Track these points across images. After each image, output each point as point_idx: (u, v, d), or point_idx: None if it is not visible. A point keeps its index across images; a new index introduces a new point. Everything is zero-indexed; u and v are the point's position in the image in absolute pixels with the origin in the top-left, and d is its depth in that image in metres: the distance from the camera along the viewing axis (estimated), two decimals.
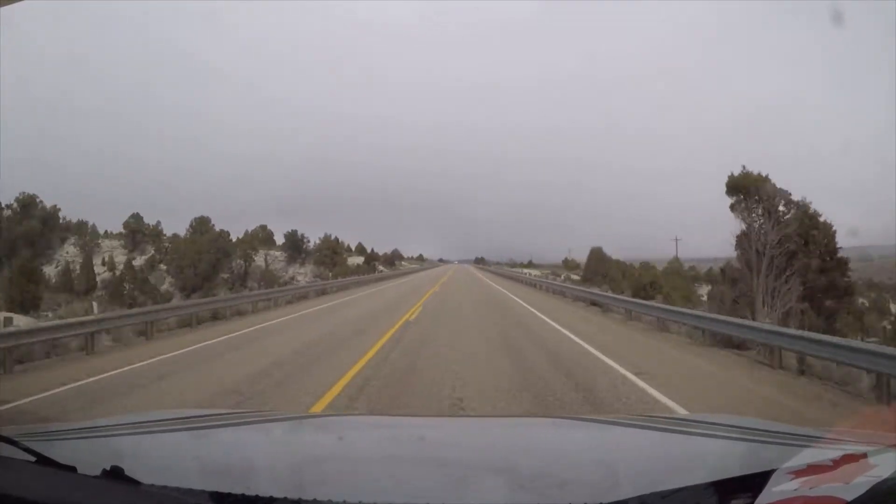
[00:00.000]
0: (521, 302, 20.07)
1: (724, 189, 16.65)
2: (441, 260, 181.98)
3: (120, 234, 56.60)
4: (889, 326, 23.42)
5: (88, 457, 1.11)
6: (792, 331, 8.28)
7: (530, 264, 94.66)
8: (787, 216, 16.11)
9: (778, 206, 15.92)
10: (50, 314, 21.50)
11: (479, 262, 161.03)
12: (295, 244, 55.37)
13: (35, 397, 6.27)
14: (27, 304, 25.79)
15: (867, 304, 31.87)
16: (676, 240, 64.73)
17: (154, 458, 1.29)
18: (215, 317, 14.48)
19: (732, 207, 16.36)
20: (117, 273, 43.28)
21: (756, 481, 0.83)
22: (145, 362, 8.33)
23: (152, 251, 50.79)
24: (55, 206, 50.04)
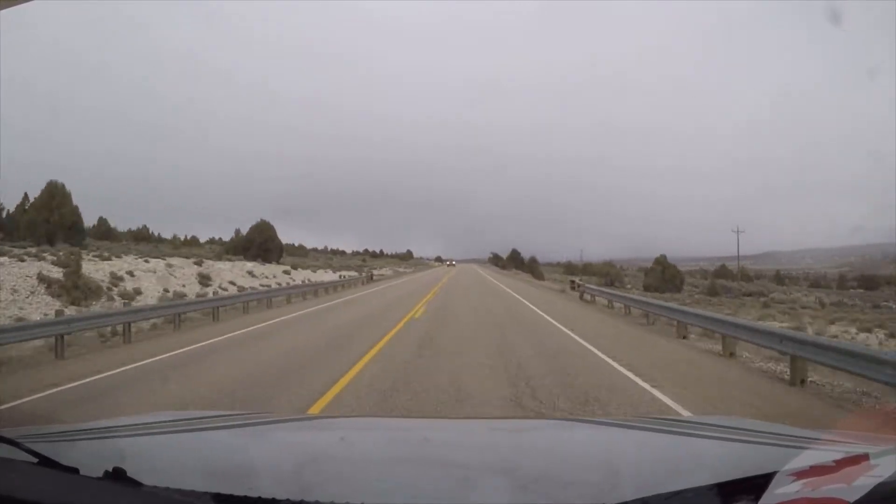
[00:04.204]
0: None
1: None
2: (439, 259, 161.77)
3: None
4: None
5: (91, 458, 1.11)
6: None
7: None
8: None
9: None
10: None
11: (501, 262, 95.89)
12: None
13: None
14: None
15: None
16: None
17: (156, 459, 1.29)
18: None
19: None
20: None
21: (758, 483, 0.83)
22: None
23: None
24: None
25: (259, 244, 39.16)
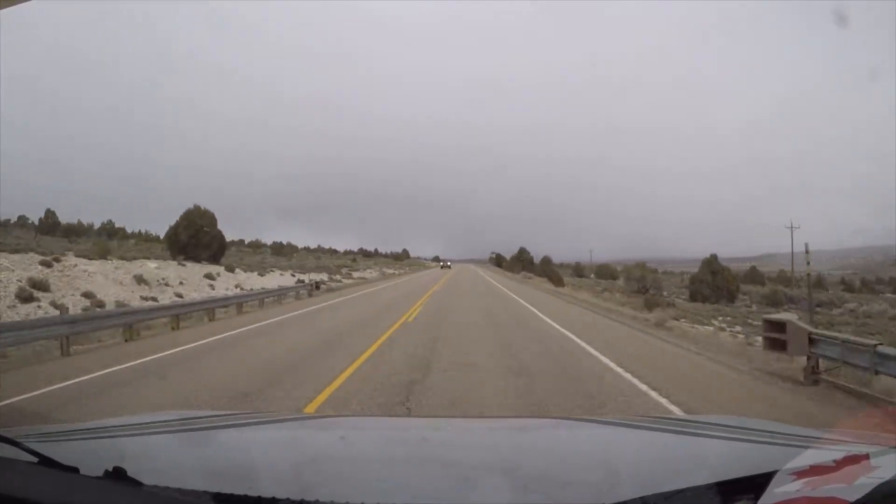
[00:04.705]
0: None
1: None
2: (437, 259, 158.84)
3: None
4: None
5: (91, 458, 1.11)
6: None
7: None
8: None
9: None
10: None
11: (503, 263, 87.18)
12: None
13: None
14: None
15: None
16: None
17: (157, 459, 1.29)
18: None
19: None
20: None
21: (758, 482, 0.83)
22: None
23: None
24: None
25: (188, 238, 29.03)
